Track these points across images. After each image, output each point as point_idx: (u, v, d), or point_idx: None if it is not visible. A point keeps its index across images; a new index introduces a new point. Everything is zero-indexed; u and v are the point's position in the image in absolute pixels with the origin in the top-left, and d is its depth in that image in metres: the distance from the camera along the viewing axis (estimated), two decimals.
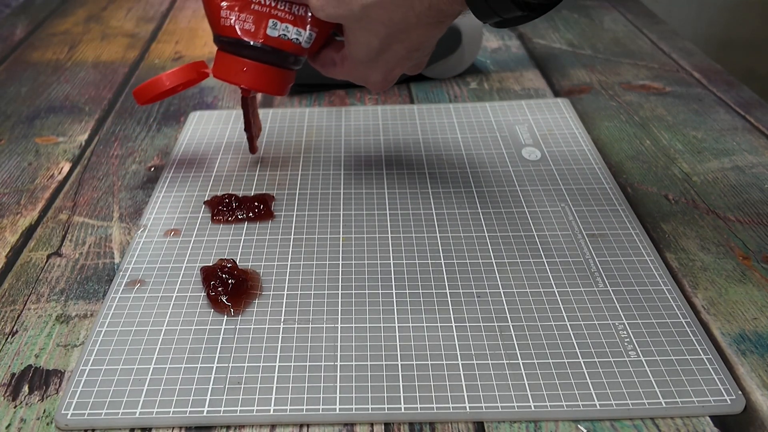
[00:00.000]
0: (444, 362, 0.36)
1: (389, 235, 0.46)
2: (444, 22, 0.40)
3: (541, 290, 0.41)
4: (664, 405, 0.34)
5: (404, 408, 0.34)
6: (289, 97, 0.66)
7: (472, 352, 0.37)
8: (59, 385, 0.36)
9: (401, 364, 0.36)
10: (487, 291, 0.41)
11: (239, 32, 0.45)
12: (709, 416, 0.34)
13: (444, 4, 0.37)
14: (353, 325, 0.39)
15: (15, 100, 0.68)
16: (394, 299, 0.41)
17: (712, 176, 0.53)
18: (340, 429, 0.34)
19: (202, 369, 0.36)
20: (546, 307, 0.40)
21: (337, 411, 0.34)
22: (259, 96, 0.67)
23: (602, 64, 0.73)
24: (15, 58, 0.78)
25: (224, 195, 0.49)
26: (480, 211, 0.48)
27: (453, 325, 0.39)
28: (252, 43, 0.45)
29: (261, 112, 0.63)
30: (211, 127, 0.60)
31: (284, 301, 0.41)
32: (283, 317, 0.40)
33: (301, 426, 0.34)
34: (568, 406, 0.34)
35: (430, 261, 0.44)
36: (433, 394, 0.35)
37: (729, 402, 0.34)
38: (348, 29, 0.42)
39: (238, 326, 0.39)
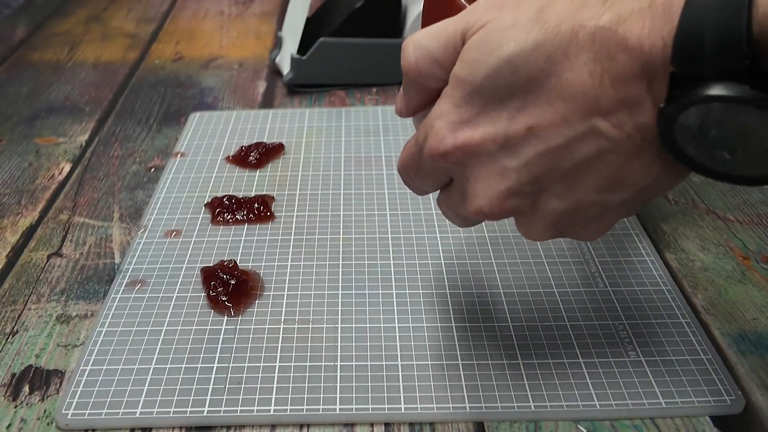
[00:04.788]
0: (444, 362, 0.36)
1: (389, 236, 0.46)
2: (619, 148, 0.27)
3: (541, 290, 0.41)
4: (663, 405, 0.34)
5: (404, 408, 0.34)
6: (289, 97, 0.66)
7: (472, 352, 0.37)
8: (60, 385, 0.36)
9: (401, 364, 0.36)
10: (487, 291, 0.41)
11: None
12: (709, 416, 0.34)
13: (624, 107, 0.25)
14: (353, 326, 0.39)
15: (15, 101, 0.68)
16: (394, 299, 0.41)
17: None
18: (340, 429, 0.34)
19: (202, 369, 0.36)
20: (546, 308, 0.40)
21: (338, 411, 0.34)
22: (259, 97, 0.67)
23: None
24: (15, 59, 0.78)
25: (224, 196, 0.50)
26: None
27: (453, 325, 0.39)
28: None
29: (261, 112, 0.63)
30: (212, 128, 0.60)
31: (284, 301, 0.41)
32: (283, 317, 0.40)
33: (302, 426, 0.34)
34: (568, 406, 0.34)
35: (430, 261, 0.44)
36: (433, 394, 0.35)
37: (729, 402, 0.34)
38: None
39: (238, 326, 0.39)
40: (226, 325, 0.39)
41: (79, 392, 0.35)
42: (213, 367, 0.37)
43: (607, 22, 0.25)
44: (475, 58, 0.27)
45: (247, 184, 0.52)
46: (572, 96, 0.26)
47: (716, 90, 0.23)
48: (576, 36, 0.25)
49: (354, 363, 0.36)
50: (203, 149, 0.57)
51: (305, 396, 0.35)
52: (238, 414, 0.34)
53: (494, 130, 0.28)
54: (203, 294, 0.41)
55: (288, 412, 0.34)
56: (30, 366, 0.38)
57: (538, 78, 0.26)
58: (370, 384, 0.35)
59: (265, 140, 0.58)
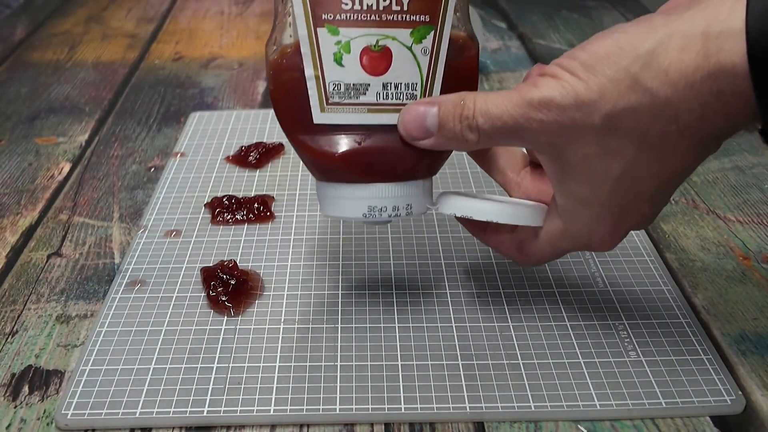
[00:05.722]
0: (444, 362, 0.36)
1: (389, 236, 0.46)
2: (711, 144, 0.30)
3: (541, 290, 0.41)
4: (664, 405, 0.34)
5: (404, 408, 0.34)
6: None
7: (472, 352, 0.37)
8: (59, 386, 0.36)
9: (401, 364, 0.36)
10: (487, 291, 0.41)
11: None
12: (709, 416, 0.34)
13: (723, 117, 0.27)
14: (353, 326, 0.39)
15: (15, 101, 0.68)
16: (394, 299, 0.41)
17: (713, 176, 0.53)
18: (340, 429, 0.34)
19: (202, 369, 0.36)
20: (546, 307, 0.40)
21: (338, 411, 0.34)
22: (259, 97, 0.67)
23: None
24: (15, 59, 0.78)
25: (224, 196, 0.50)
26: None
27: (453, 325, 0.39)
28: None
29: (261, 111, 0.63)
30: (212, 128, 0.60)
31: (284, 301, 0.41)
32: (283, 317, 0.40)
33: (302, 426, 0.34)
34: (569, 406, 0.34)
35: (430, 261, 0.44)
36: (433, 394, 0.35)
37: (729, 402, 0.34)
38: (572, 157, 0.31)
39: (238, 326, 0.39)
40: (225, 325, 0.39)
41: (78, 392, 0.35)
42: (213, 367, 0.36)
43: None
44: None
45: (247, 184, 0.52)
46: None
47: None
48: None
49: (354, 363, 0.36)
50: (203, 149, 0.57)
51: (305, 396, 0.35)
52: (238, 414, 0.34)
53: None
54: (203, 294, 0.41)
55: (288, 412, 0.34)
56: (30, 366, 0.38)
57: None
58: (370, 384, 0.35)
59: (265, 140, 0.58)
